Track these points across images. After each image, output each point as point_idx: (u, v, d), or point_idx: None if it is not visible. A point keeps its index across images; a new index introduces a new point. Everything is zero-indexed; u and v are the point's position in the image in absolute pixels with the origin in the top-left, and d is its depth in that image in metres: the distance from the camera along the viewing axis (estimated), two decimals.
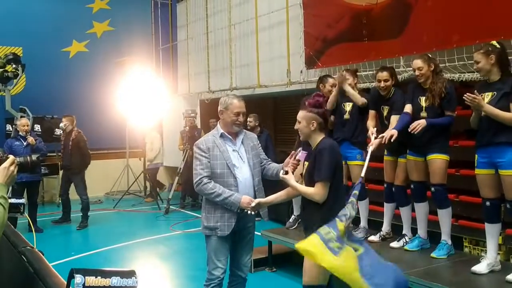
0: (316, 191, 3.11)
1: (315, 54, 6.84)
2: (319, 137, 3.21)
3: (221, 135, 3.51)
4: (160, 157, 10.64)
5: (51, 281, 1.58)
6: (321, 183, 3.10)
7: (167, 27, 12.11)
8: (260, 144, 3.71)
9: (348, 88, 4.91)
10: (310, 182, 3.17)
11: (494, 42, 3.77)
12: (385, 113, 4.72)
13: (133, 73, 10.02)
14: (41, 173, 7.85)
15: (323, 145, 3.17)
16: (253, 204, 3.36)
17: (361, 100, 4.91)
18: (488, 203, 3.86)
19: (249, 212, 3.39)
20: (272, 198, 3.43)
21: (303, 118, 3.23)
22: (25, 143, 7.31)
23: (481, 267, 3.88)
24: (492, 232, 3.91)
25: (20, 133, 7.35)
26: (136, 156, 10.60)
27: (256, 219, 3.75)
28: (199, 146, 3.49)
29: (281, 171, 3.38)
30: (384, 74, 4.66)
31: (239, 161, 3.50)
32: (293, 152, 3.39)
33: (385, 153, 4.88)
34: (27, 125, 7.44)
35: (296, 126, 3.28)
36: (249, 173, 3.50)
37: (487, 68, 3.74)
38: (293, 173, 3.25)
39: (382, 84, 4.65)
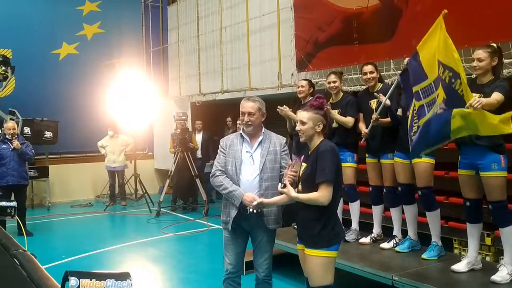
0: (321, 194, 3.00)
1: (306, 57, 6.88)
2: (319, 139, 3.16)
3: (241, 136, 3.64)
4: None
5: (45, 285, 1.57)
6: (325, 185, 3.00)
7: (158, 30, 12.11)
8: (286, 151, 3.66)
9: (336, 116, 4.97)
10: (310, 185, 3.08)
11: (495, 45, 3.82)
12: (373, 107, 4.80)
13: (123, 76, 9.98)
14: (28, 177, 7.76)
15: (324, 147, 3.09)
16: (255, 203, 3.36)
17: (350, 122, 4.98)
18: (468, 203, 3.95)
19: (250, 209, 3.43)
20: (276, 199, 3.39)
21: (310, 119, 3.13)
22: (11, 147, 7.22)
23: (460, 266, 3.98)
24: (472, 232, 3.99)
25: (7, 136, 7.26)
26: (127, 159, 10.55)
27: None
28: (221, 142, 3.71)
29: (279, 184, 3.36)
30: (369, 67, 4.85)
31: (249, 163, 3.54)
32: (290, 162, 3.37)
33: (366, 155, 4.95)
34: (13, 129, 7.31)
35: (300, 127, 3.17)
36: (255, 176, 3.51)
37: (487, 68, 3.76)
38: (291, 185, 3.17)
39: (368, 75, 4.81)
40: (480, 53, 3.77)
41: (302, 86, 5.54)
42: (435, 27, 3.67)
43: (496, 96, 3.56)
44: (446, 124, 3.45)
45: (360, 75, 5.94)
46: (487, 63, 3.74)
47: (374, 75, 4.81)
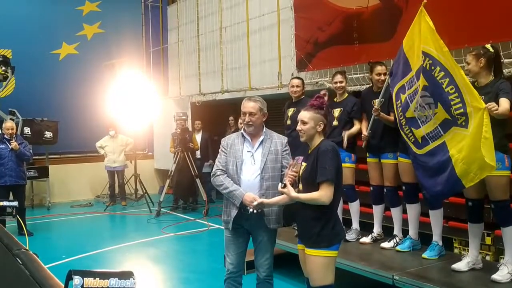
0: (322, 193, 3.00)
1: (306, 57, 6.88)
2: (320, 139, 3.16)
3: (242, 135, 3.64)
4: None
5: (48, 284, 1.57)
6: (326, 184, 2.99)
7: (158, 30, 12.10)
8: (287, 150, 3.65)
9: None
10: (310, 184, 3.08)
11: (488, 46, 3.82)
12: (376, 106, 4.79)
13: (123, 76, 9.98)
14: (26, 177, 7.75)
15: (325, 147, 3.09)
16: (255, 203, 3.36)
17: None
18: (470, 203, 3.95)
19: (250, 210, 3.42)
20: (276, 199, 3.38)
21: (312, 119, 3.12)
22: (10, 147, 7.20)
23: (461, 265, 4.00)
24: (474, 232, 4.01)
25: (5, 136, 7.26)
26: (127, 159, 10.56)
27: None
28: (222, 141, 3.71)
29: (280, 184, 3.35)
30: (384, 68, 4.83)
31: (250, 163, 3.54)
32: (291, 162, 3.35)
33: (367, 155, 4.95)
34: (12, 129, 7.30)
35: (301, 127, 3.16)
36: (256, 176, 3.51)
37: (475, 70, 3.80)
38: (291, 185, 3.16)
39: (382, 77, 4.78)
40: (467, 57, 3.87)
41: (297, 86, 5.54)
42: (417, 18, 3.73)
43: (506, 104, 3.57)
44: (449, 165, 3.50)
45: (361, 75, 5.98)
46: (473, 65, 3.79)
47: (385, 77, 4.76)
